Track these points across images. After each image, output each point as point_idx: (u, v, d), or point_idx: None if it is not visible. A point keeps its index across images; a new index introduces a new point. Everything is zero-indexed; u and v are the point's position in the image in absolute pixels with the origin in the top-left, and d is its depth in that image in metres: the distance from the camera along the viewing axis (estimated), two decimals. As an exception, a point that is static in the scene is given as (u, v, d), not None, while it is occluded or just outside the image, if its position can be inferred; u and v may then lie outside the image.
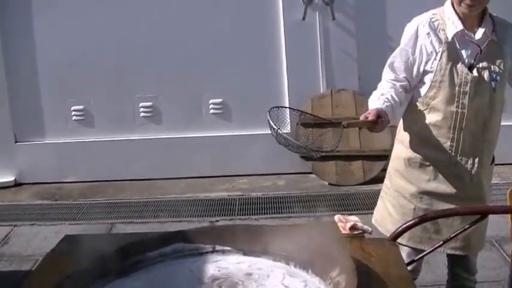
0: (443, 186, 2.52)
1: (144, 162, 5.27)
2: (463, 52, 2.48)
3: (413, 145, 2.58)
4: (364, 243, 2.08)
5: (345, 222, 2.16)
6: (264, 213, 4.55)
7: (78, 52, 5.15)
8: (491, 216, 2.46)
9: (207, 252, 2.03)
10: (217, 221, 4.45)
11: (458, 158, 2.49)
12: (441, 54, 2.46)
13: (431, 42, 2.48)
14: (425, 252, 2.37)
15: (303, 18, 5.07)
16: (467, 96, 2.45)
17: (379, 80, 2.57)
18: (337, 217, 2.22)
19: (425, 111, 2.51)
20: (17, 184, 5.34)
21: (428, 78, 2.48)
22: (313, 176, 5.16)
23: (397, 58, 2.55)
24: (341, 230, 2.14)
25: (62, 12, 5.11)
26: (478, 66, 2.47)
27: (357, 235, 2.12)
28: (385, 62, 2.55)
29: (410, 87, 2.54)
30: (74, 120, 5.34)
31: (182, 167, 5.24)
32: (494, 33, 2.47)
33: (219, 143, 5.26)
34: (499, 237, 3.77)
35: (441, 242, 2.33)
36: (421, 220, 2.36)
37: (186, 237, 2.04)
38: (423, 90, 2.50)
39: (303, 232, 2.08)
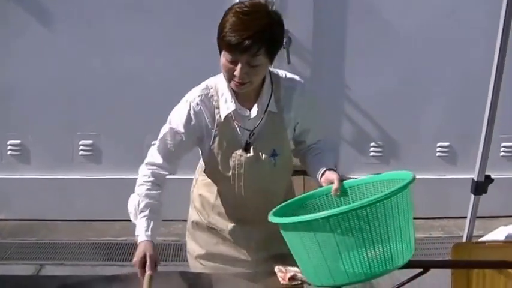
0: (231, 250, 2.48)
1: (80, 203, 5.12)
2: (239, 132, 2.32)
3: (201, 208, 2.55)
4: (303, 294, 2.07)
5: (285, 272, 2.18)
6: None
7: (18, 83, 4.98)
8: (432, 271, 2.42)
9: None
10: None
11: (243, 226, 2.46)
12: (213, 139, 2.33)
13: (204, 124, 2.33)
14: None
15: None
16: (242, 178, 2.34)
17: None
18: (277, 268, 2.24)
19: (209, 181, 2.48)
20: None
21: (205, 157, 2.41)
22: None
23: (168, 140, 2.38)
24: (280, 280, 2.14)
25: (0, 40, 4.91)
26: (254, 144, 2.33)
27: (296, 285, 2.12)
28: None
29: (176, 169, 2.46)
30: (10, 154, 5.16)
31: (119, 209, 5.02)
32: (275, 103, 2.31)
33: (159, 186, 5.13)
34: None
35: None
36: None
37: (116, 282, 2.09)
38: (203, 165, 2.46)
39: (239, 281, 2.10)
